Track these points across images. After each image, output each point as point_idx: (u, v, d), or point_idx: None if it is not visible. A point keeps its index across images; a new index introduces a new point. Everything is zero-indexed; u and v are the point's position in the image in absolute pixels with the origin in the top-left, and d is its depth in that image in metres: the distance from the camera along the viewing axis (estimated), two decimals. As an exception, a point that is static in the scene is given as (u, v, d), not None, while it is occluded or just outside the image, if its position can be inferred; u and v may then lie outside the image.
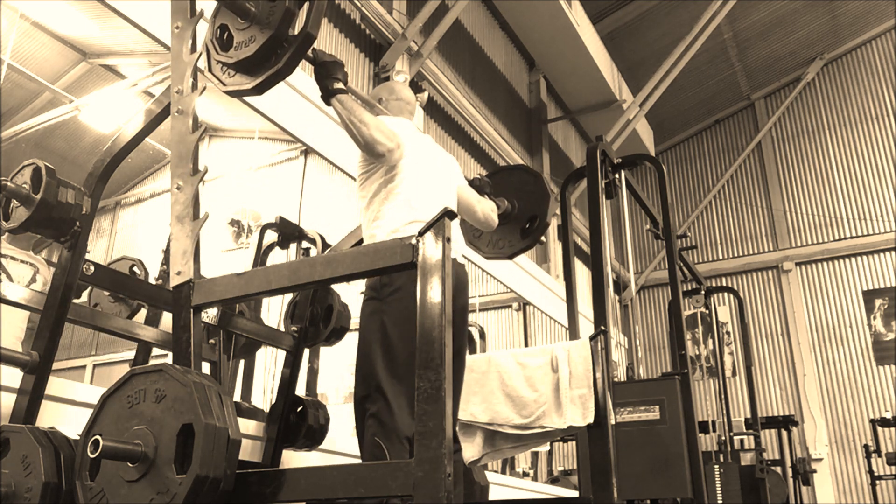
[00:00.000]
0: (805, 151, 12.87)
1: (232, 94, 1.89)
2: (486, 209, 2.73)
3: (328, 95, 2.19)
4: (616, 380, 4.02)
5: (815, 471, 9.27)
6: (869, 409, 11.06)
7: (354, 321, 3.03)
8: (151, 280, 3.23)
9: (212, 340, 2.96)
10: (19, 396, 1.95)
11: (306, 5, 1.77)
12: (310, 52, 2.06)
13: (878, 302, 11.52)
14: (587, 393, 2.67)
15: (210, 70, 1.92)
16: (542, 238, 3.11)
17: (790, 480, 7.87)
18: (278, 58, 1.79)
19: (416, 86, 7.47)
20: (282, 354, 2.89)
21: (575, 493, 5.63)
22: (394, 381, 2.12)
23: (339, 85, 2.18)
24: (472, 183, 2.79)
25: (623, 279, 11.64)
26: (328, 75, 2.17)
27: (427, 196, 2.35)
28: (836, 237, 12.13)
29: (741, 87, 13.31)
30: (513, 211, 3.06)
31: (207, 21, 1.99)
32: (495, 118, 9.36)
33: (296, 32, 1.78)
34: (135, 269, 3.17)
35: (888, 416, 9.03)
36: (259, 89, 1.82)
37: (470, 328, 4.38)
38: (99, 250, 11.02)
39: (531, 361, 2.89)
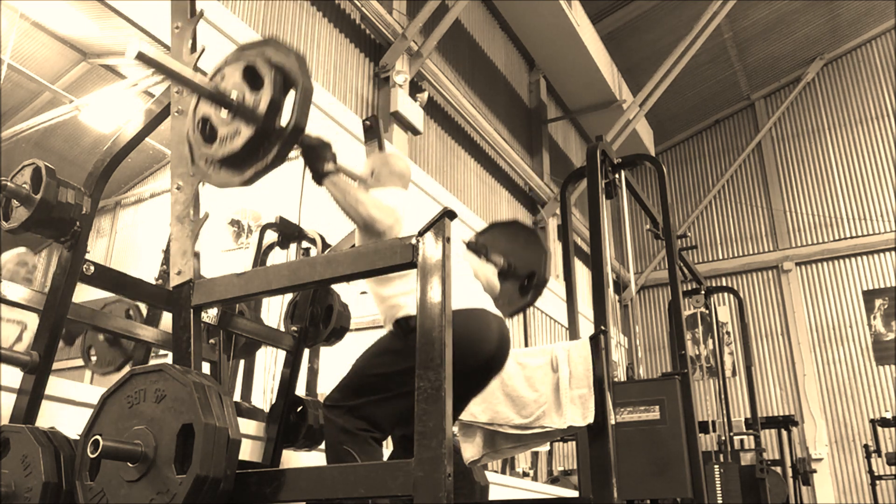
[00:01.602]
0: (805, 151, 12.87)
1: (219, 187, 1.82)
2: (488, 274, 2.69)
3: (319, 178, 2.13)
4: (616, 380, 4.02)
5: (815, 471, 9.27)
6: (869, 409, 11.07)
7: (354, 321, 3.04)
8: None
9: (212, 340, 2.96)
10: (19, 396, 1.95)
11: (291, 93, 1.68)
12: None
13: (878, 302, 11.52)
14: (587, 393, 2.67)
15: (194, 163, 1.81)
16: (542, 295, 3.07)
17: (790, 480, 7.87)
18: (266, 151, 1.69)
19: (416, 86, 7.47)
20: (282, 354, 2.89)
21: (575, 493, 5.63)
22: (376, 405, 2.13)
23: (330, 167, 2.11)
24: (468, 246, 2.75)
25: (623, 279, 11.64)
26: (318, 158, 2.09)
27: None
28: (836, 237, 12.14)
29: (741, 87, 13.32)
30: (510, 269, 3.03)
31: (189, 112, 1.87)
32: (495, 118, 9.36)
33: (283, 123, 1.68)
34: (129, 311, 3.11)
35: (888, 416, 9.03)
36: (248, 184, 1.74)
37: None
38: (99, 250, 11.01)
39: (531, 361, 2.89)
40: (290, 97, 1.70)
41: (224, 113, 1.73)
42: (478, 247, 2.80)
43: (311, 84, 1.69)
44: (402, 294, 2.21)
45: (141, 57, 1.57)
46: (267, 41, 1.74)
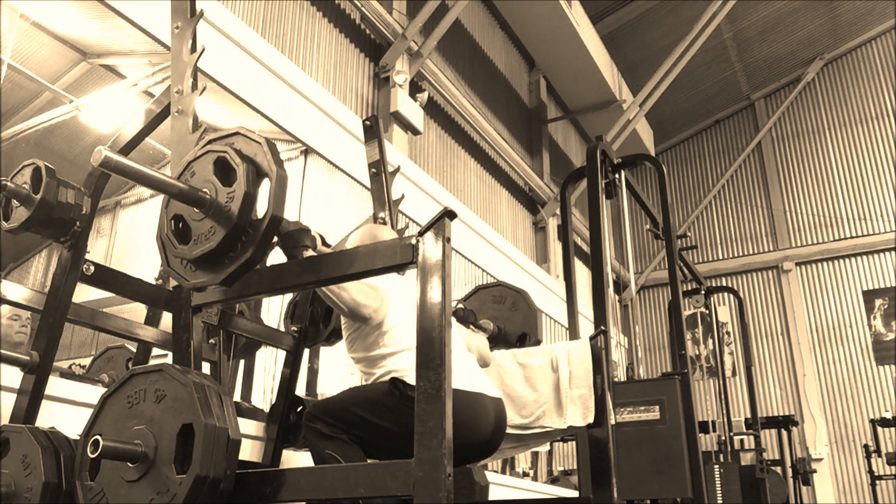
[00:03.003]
0: (805, 151, 12.87)
1: (196, 290, 1.76)
2: (480, 345, 2.65)
3: None
4: (616, 380, 4.02)
5: (815, 471, 9.27)
6: (869, 409, 11.07)
7: (354, 321, 3.03)
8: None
9: (212, 340, 2.96)
10: (19, 396, 1.95)
11: (265, 183, 1.62)
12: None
13: (878, 302, 11.52)
14: (587, 393, 2.67)
15: (168, 265, 1.74)
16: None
17: (790, 480, 7.87)
18: (244, 246, 1.61)
19: (416, 86, 7.47)
20: (282, 354, 2.89)
21: (575, 493, 5.62)
22: (357, 441, 2.11)
23: (310, 253, 2.04)
24: (455, 314, 2.70)
25: (623, 279, 11.64)
26: (295, 245, 2.01)
27: None
28: (836, 237, 12.14)
29: (741, 87, 13.32)
30: (499, 333, 3.00)
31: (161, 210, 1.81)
32: (495, 118, 9.36)
33: (259, 216, 1.62)
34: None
35: (888, 416, 9.03)
36: (226, 283, 1.67)
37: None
38: (99, 250, 11.02)
39: (531, 361, 2.89)
40: (265, 186, 1.63)
41: (196, 211, 1.65)
42: (465, 314, 2.76)
43: (285, 172, 1.63)
44: (392, 354, 2.19)
45: (106, 164, 1.49)
46: (235, 132, 1.68)
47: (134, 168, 1.57)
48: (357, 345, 2.28)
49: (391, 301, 2.25)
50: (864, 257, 11.82)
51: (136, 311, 3.37)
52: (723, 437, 6.43)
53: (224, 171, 1.64)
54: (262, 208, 1.64)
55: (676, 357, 4.14)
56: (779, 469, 7.62)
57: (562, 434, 2.79)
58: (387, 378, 2.17)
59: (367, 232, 2.63)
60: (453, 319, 2.57)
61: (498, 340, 3.01)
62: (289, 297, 3.02)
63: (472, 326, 2.75)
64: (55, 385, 2.05)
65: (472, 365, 2.35)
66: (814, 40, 12.67)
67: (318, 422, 2.14)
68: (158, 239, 1.76)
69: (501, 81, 9.87)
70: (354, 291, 2.11)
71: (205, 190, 1.64)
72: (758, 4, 11.49)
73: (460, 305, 2.85)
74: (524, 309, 3.05)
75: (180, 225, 1.70)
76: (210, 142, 1.71)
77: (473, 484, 2.75)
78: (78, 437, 1.66)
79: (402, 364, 2.16)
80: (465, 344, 2.45)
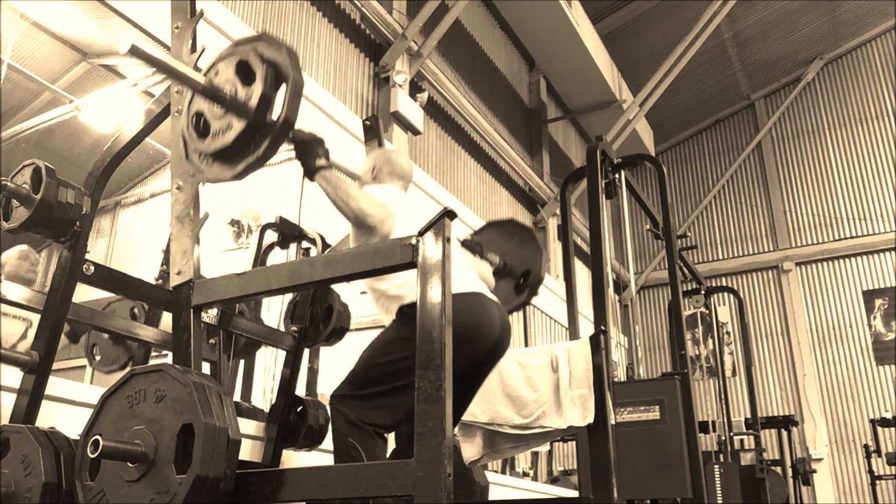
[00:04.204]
0: (805, 151, 12.87)
1: (212, 182, 1.84)
2: (483, 271, 2.69)
3: (311, 173, 2.14)
4: (616, 380, 4.02)
5: (815, 471, 9.26)
6: (869, 409, 11.07)
7: (354, 321, 3.04)
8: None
9: (212, 340, 2.96)
10: (19, 396, 1.95)
11: (283, 86, 1.70)
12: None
13: (878, 302, 11.52)
14: (587, 393, 2.67)
15: (188, 158, 1.84)
16: (537, 293, 3.07)
17: (790, 480, 7.87)
18: (257, 145, 1.71)
19: (416, 86, 7.47)
20: (282, 354, 2.89)
21: (575, 493, 5.62)
22: (384, 396, 2.13)
23: (322, 162, 2.12)
24: (463, 244, 2.75)
25: (623, 279, 11.64)
26: (309, 153, 2.10)
27: None
28: (836, 237, 12.14)
29: (741, 87, 13.32)
30: (505, 267, 3.03)
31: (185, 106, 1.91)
32: (495, 118, 9.36)
33: (274, 117, 1.71)
34: (134, 310, 3.11)
35: (888, 416, 9.03)
36: (239, 177, 1.76)
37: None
38: (99, 250, 11.02)
39: (531, 361, 2.89)
40: (283, 92, 1.72)
41: (217, 108, 1.75)
42: (473, 245, 2.80)
43: (301, 79, 1.71)
44: (403, 284, 2.22)
45: (134, 51, 1.58)
46: (259, 36, 1.76)
47: (160, 59, 1.68)
48: None
49: (399, 223, 2.28)
50: (864, 257, 11.82)
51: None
52: (723, 437, 6.43)
53: (245, 72, 1.72)
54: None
55: (676, 357, 4.14)
56: (779, 469, 7.61)
57: (562, 434, 2.79)
58: (393, 306, 2.22)
59: (381, 154, 2.67)
60: (458, 244, 2.65)
61: (503, 274, 3.03)
62: (289, 297, 3.02)
63: (478, 257, 2.78)
64: (55, 385, 2.05)
65: (473, 275, 2.40)
66: (814, 40, 12.67)
67: (346, 403, 2.14)
68: (180, 135, 1.86)
69: (501, 81, 9.87)
70: (362, 201, 2.16)
71: (226, 88, 1.73)
72: (758, 4, 11.48)
73: (469, 237, 2.88)
74: (531, 247, 3.08)
75: (201, 121, 1.79)
76: (236, 44, 1.80)
77: (473, 484, 2.76)
78: (78, 437, 1.66)
79: (408, 285, 2.19)
80: (467, 263, 2.51)
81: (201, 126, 1.79)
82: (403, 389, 2.11)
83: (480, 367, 2.32)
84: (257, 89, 1.68)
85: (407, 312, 2.19)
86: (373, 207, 2.18)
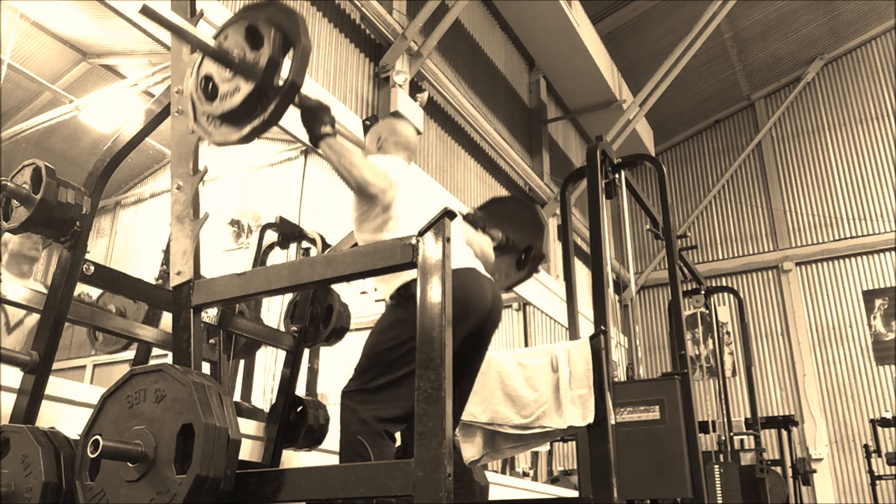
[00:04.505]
0: (805, 151, 12.87)
1: (219, 144, 1.87)
2: (483, 244, 2.71)
3: (316, 140, 2.16)
4: (616, 380, 4.02)
5: (815, 471, 9.26)
6: (869, 409, 11.06)
7: (354, 321, 3.04)
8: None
9: (212, 340, 2.96)
10: (19, 396, 1.95)
11: (290, 52, 1.74)
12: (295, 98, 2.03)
13: (878, 302, 11.52)
14: (587, 393, 2.67)
15: (196, 121, 1.87)
16: (540, 268, 3.09)
17: (790, 480, 7.86)
18: (264, 108, 1.74)
19: (416, 86, 7.47)
20: (282, 354, 2.89)
21: (575, 493, 5.63)
22: (394, 386, 2.13)
23: (327, 129, 2.14)
24: (466, 217, 2.76)
25: (623, 279, 11.64)
26: (315, 120, 2.13)
27: None
28: (836, 237, 12.13)
29: (741, 87, 13.31)
30: (508, 242, 3.03)
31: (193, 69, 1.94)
32: (495, 118, 9.36)
33: (281, 81, 1.74)
34: None
35: (888, 416, 9.03)
36: (245, 140, 1.78)
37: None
38: (99, 250, 11.02)
39: (531, 361, 2.89)
40: (290, 58, 1.75)
41: (226, 71, 1.78)
42: (476, 219, 2.81)
43: (309, 44, 1.75)
44: None
45: (146, 11, 1.61)
46: (269, 3, 1.79)
47: (172, 21, 1.74)
48: (365, 225, 2.35)
49: (400, 193, 2.31)
50: (864, 257, 11.82)
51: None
52: (723, 437, 6.43)
53: (254, 36, 1.76)
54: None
55: (676, 357, 4.14)
56: (779, 469, 7.61)
57: (562, 434, 2.79)
58: (391, 286, 2.24)
59: (386, 124, 2.69)
60: (460, 217, 2.66)
61: (505, 249, 3.05)
62: (289, 297, 3.02)
63: (480, 231, 2.79)
64: (55, 385, 2.05)
65: (468, 252, 2.44)
66: (814, 40, 12.67)
67: (355, 399, 2.15)
68: (188, 97, 1.90)
69: (501, 81, 9.87)
70: (365, 170, 2.18)
71: (235, 52, 1.77)
72: (758, 4, 11.48)
73: (473, 210, 2.90)
74: (534, 223, 3.08)
75: (209, 84, 1.82)
76: (246, 10, 1.84)
77: (473, 484, 2.76)
78: (78, 437, 1.66)
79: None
80: (465, 238, 2.54)
81: (209, 89, 1.82)
82: (410, 377, 2.12)
83: (473, 344, 2.33)
84: (265, 53, 1.72)
85: (403, 293, 2.21)
86: (375, 177, 2.20)
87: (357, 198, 2.33)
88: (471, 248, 2.51)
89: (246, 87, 1.73)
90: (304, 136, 5.43)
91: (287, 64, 1.74)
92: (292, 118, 5.46)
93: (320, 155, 2.27)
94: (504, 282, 3.07)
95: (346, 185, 2.24)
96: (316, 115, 2.13)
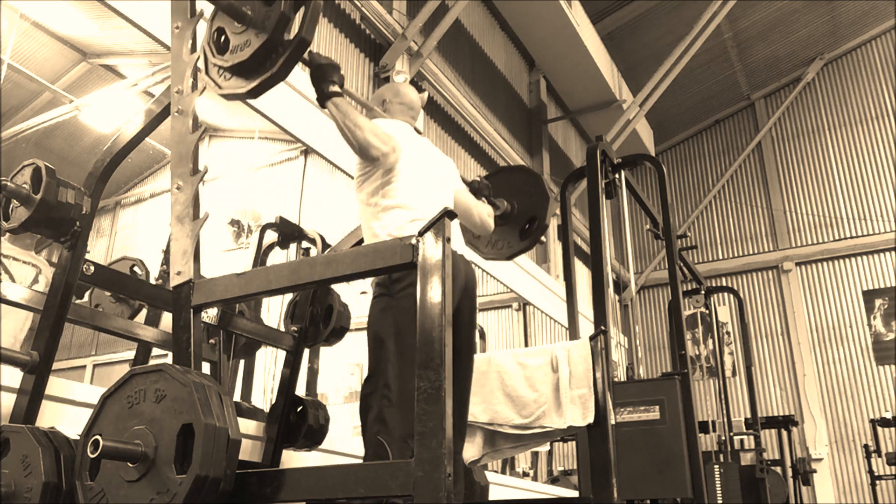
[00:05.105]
0: (805, 151, 12.87)
1: (227, 97, 1.90)
2: (483, 213, 2.72)
3: (323, 98, 2.17)
4: (616, 380, 4.02)
5: (815, 471, 9.26)
6: (869, 409, 11.06)
7: (355, 321, 3.04)
8: (151, 280, 3.23)
9: (212, 340, 2.96)
10: (19, 396, 1.95)
11: (302, 9, 1.77)
12: (305, 55, 2.05)
13: (878, 302, 11.52)
14: (587, 393, 2.67)
15: (207, 72, 1.92)
16: (542, 238, 3.10)
17: (790, 480, 7.87)
18: (273, 62, 1.78)
19: (416, 86, 7.47)
20: (282, 354, 2.89)
21: (575, 493, 5.63)
22: (402, 379, 2.13)
23: (335, 88, 2.15)
24: (470, 185, 2.78)
25: (623, 279, 11.64)
26: (324, 78, 2.14)
27: (424, 198, 2.35)
28: (836, 237, 12.13)
29: (741, 87, 13.31)
30: (512, 212, 3.05)
31: (206, 22, 1.99)
32: (495, 118, 9.36)
33: (291, 37, 1.78)
34: (135, 268, 3.17)
35: (888, 416, 9.03)
36: (254, 93, 1.82)
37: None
38: (99, 250, 11.02)
39: (531, 361, 2.89)
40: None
41: (237, 25, 1.83)
42: (480, 186, 2.82)
43: (320, 2, 1.79)
44: (389, 209, 2.29)
45: None
46: None
47: None
48: (364, 186, 2.36)
49: (403, 159, 2.32)
50: (864, 257, 11.82)
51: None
52: (723, 437, 6.43)
53: None
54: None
55: (676, 357, 4.14)
56: (779, 469, 7.61)
57: (562, 434, 2.79)
58: (380, 234, 2.26)
59: (389, 87, 2.72)
60: (464, 186, 2.70)
61: (509, 219, 3.06)
62: (289, 297, 3.02)
63: (484, 199, 2.80)
64: (55, 385, 2.05)
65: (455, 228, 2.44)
66: (814, 40, 12.66)
67: (373, 396, 2.15)
68: (200, 47, 1.94)
69: (501, 81, 9.87)
70: (368, 132, 2.19)
71: (247, 6, 1.81)
72: (758, 4, 11.48)
73: (479, 178, 2.91)
74: (539, 194, 3.10)
75: (221, 37, 1.87)
76: None
77: (473, 484, 2.76)
78: (78, 437, 1.66)
79: (397, 219, 2.25)
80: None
81: (221, 42, 1.87)
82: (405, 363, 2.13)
83: (456, 329, 2.33)
84: (277, 9, 1.75)
85: (386, 284, 2.21)
86: (378, 139, 2.21)
87: (359, 160, 2.34)
88: (457, 224, 2.52)
89: (257, 41, 1.77)
90: (304, 137, 5.42)
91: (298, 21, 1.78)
92: (292, 118, 5.45)
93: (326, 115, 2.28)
94: (507, 251, 3.09)
95: (348, 145, 2.24)
96: (325, 73, 2.15)
